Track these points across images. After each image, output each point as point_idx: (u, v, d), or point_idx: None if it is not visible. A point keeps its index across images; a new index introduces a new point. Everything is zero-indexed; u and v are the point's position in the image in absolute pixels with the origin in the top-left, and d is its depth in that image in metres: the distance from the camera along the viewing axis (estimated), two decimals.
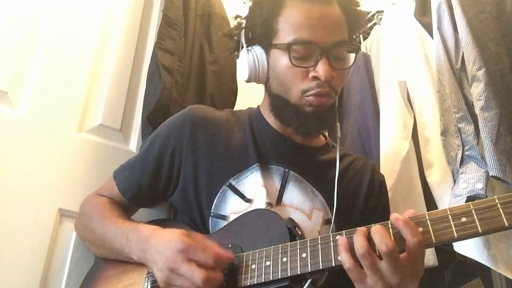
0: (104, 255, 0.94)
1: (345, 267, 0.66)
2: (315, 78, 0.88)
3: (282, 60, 0.90)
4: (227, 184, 0.92)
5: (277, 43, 0.91)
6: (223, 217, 0.89)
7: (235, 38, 1.02)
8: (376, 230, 0.64)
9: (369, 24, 1.84)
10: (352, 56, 0.96)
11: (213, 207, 0.91)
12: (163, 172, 0.96)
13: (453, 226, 0.62)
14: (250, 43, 0.97)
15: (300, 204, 0.92)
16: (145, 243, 0.80)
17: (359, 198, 0.98)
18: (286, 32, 0.90)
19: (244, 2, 1.00)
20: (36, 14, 1.19)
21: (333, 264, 0.68)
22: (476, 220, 0.61)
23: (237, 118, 1.03)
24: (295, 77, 0.89)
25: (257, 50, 0.95)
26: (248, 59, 0.95)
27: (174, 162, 0.96)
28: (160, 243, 0.77)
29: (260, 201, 0.89)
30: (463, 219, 0.62)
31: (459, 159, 1.08)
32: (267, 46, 0.94)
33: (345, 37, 0.92)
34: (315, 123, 0.91)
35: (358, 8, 0.98)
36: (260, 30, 0.94)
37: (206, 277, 0.70)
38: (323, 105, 0.90)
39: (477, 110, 1.05)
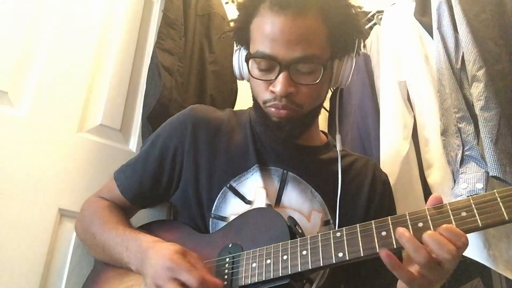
0: (103, 260, 0.94)
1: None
2: (273, 92, 0.87)
3: (250, 69, 0.91)
4: (228, 185, 0.92)
5: (247, 51, 0.93)
6: (223, 219, 0.89)
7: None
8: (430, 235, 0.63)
9: (369, 24, 1.84)
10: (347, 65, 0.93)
11: (213, 208, 0.91)
12: (165, 172, 0.96)
13: (453, 221, 0.63)
14: (240, 43, 0.98)
15: (298, 205, 0.91)
16: (144, 255, 0.80)
17: (361, 199, 0.97)
18: (253, 42, 0.90)
19: (226, 3, 1.01)
20: (36, 14, 1.19)
21: (334, 261, 0.68)
22: (476, 214, 0.61)
23: (238, 118, 1.03)
24: (258, 87, 0.91)
25: (243, 51, 0.97)
26: (234, 59, 0.98)
27: (176, 163, 0.95)
28: (154, 257, 0.77)
29: (260, 203, 0.89)
30: (463, 214, 0.62)
31: (459, 159, 1.08)
32: (247, 50, 0.95)
33: (312, 51, 0.85)
34: (276, 133, 0.91)
35: (347, 13, 0.91)
36: (238, 35, 0.96)
37: None
38: (283, 118, 0.89)
39: (477, 110, 1.05)
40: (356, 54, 0.95)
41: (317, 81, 0.87)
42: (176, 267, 0.73)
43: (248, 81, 0.98)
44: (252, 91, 0.95)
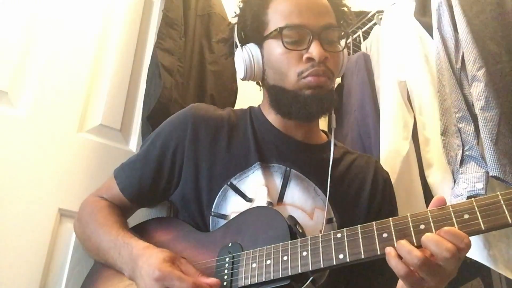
0: (100, 261, 0.93)
1: (400, 275, 0.63)
2: (309, 59, 0.90)
3: (275, 48, 0.93)
4: (228, 183, 0.91)
5: (269, 33, 0.93)
6: (224, 217, 0.89)
7: (229, 41, 1.04)
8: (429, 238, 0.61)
9: (369, 24, 1.84)
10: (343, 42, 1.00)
11: (213, 206, 0.90)
12: (165, 171, 0.96)
13: (455, 223, 0.61)
14: (243, 42, 0.99)
15: (301, 203, 0.91)
16: (134, 262, 0.80)
17: (363, 197, 0.97)
18: (276, 21, 0.93)
19: (239, 6, 1.03)
20: (36, 14, 1.19)
21: (334, 263, 0.68)
22: (479, 217, 0.60)
23: (238, 117, 1.03)
24: (290, 61, 0.91)
25: (251, 46, 0.97)
26: (243, 56, 0.97)
27: (176, 161, 0.95)
28: (144, 267, 0.76)
29: (261, 201, 0.89)
30: (466, 216, 0.61)
31: (459, 159, 1.08)
32: (260, 40, 0.96)
33: (334, 21, 0.96)
34: (316, 104, 0.91)
35: (343, 2, 1.03)
36: (251, 25, 0.97)
37: None
38: (321, 86, 0.91)
39: (477, 110, 1.05)
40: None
41: (343, 48, 0.97)
42: (166, 277, 0.72)
43: (258, 78, 0.99)
44: (274, 76, 0.95)
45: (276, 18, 0.93)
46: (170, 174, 0.96)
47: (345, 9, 1.03)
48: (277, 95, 0.95)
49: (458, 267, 0.63)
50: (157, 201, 1.06)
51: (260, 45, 0.96)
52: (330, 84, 0.94)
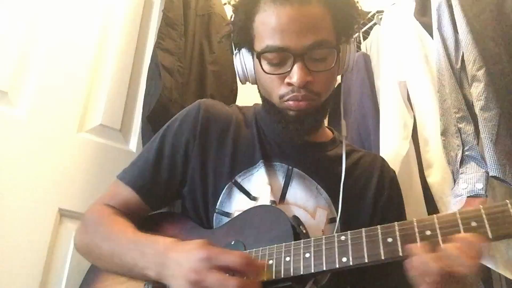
0: (111, 271, 0.87)
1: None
2: (290, 84, 0.86)
3: (259, 66, 0.89)
4: (233, 181, 0.91)
5: (254, 50, 0.90)
6: (227, 214, 0.89)
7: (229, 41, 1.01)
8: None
9: (369, 24, 1.84)
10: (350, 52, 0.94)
11: (218, 203, 0.90)
12: (178, 166, 0.94)
13: (462, 231, 0.60)
14: (238, 46, 0.96)
15: (303, 202, 0.90)
16: (164, 257, 0.74)
17: (368, 196, 0.95)
18: (260, 38, 0.88)
19: (224, 4, 0.99)
20: (36, 14, 1.19)
21: (337, 266, 0.67)
22: (487, 225, 0.58)
23: (244, 114, 1.02)
24: (272, 83, 0.88)
25: (245, 53, 0.94)
26: (236, 62, 0.96)
27: (188, 156, 0.94)
28: (180, 255, 0.72)
29: (264, 199, 0.88)
30: (473, 224, 0.59)
31: (459, 159, 1.08)
32: (251, 50, 0.93)
33: (322, 37, 0.86)
34: (295, 127, 0.89)
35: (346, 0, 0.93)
36: (239, 36, 0.93)
37: (241, 284, 0.64)
38: (303, 109, 0.88)
39: (477, 110, 1.05)
40: (355, 40, 0.95)
41: (332, 65, 0.87)
42: (212, 255, 0.68)
43: (253, 83, 0.97)
44: (262, 91, 0.94)
45: (259, 35, 0.88)
46: (183, 170, 0.94)
47: (349, 10, 0.93)
48: (267, 106, 0.94)
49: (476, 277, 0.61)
50: (170, 200, 1.02)
51: (252, 53, 0.93)
52: (315, 105, 0.89)
